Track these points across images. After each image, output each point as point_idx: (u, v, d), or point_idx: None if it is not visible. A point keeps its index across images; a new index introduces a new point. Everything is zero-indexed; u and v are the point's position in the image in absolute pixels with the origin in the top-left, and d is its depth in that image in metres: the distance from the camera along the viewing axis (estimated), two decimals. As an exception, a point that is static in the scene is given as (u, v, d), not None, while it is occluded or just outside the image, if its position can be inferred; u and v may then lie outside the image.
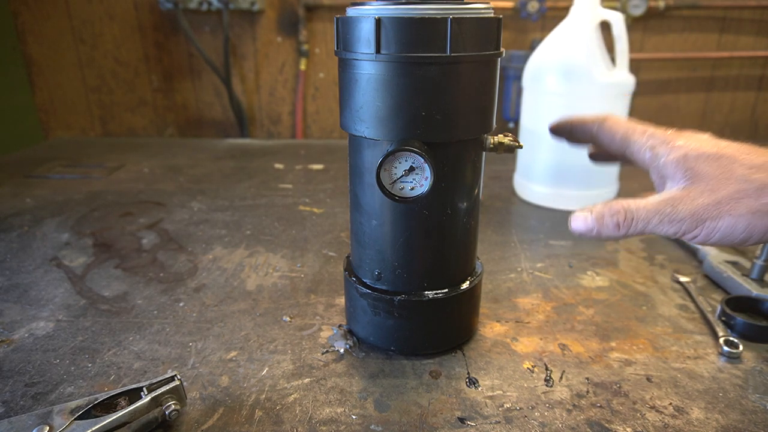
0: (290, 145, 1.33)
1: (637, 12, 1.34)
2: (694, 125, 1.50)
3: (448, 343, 0.51)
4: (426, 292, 0.48)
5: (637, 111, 1.46)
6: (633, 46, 1.37)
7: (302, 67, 1.46)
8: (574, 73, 0.79)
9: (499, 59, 0.44)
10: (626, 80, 0.81)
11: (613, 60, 0.84)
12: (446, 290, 0.48)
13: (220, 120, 1.54)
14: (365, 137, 0.44)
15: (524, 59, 0.92)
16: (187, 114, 1.54)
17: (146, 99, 1.52)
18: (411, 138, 0.42)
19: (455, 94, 0.41)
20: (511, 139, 0.47)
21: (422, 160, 0.41)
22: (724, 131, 1.50)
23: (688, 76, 1.45)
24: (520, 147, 0.47)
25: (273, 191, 0.97)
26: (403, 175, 0.43)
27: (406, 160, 0.42)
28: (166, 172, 1.08)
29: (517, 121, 1.40)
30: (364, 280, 0.50)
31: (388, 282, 0.48)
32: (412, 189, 0.43)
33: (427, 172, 0.42)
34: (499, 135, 0.47)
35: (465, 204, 0.47)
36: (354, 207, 0.49)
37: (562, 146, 0.82)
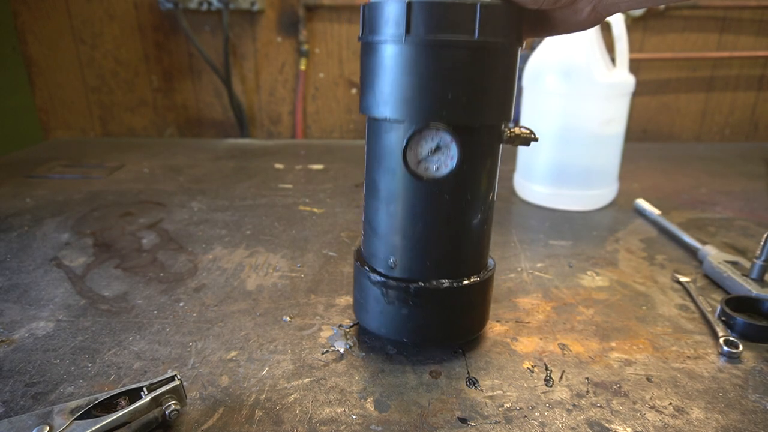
0: (290, 145, 1.33)
1: (637, 12, 1.34)
2: (694, 125, 1.50)
3: (462, 334, 0.51)
4: (443, 281, 0.47)
5: (637, 111, 1.46)
6: (633, 46, 1.37)
7: (302, 67, 1.46)
8: (574, 73, 0.79)
9: (519, 48, 0.44)
10: (626, 80, 0.81)
11: (613, 60, 0.84)
12: (464, 279, 0.48)
13: (220, 120, 1.54)
14: (389, 119, 0.44)
15: (524, 59, 0.92)
16: (187, 114, 1.54)
17: (146, 99, 1.52)
18: (437, 120, 0.42)
19: (480, 78, 0.42)
20: (527, 131, 0.47)
21: (449, 138, 0.42)
22: (724, 131, 1.50)
23: (688, 76, 1.44)
24: (536, 140, 0.47)
25: (273, 191, 0.97)
26: (428, 155, 0.43)
27: (432, 139, 0.42)
28: (166, 172, 1.08)
29: (517, 121, 1.40)
30: (378, 269, 0.49)
31: (404, 270, 0.47)
32: (437, 169, 0.43)
33: (453, 150, 0.42)
34: (516, 127, 0.47)
35: (484, 192, 0.46)
36: (370, 194, 0.48)
37: (562, 146, 0.83)
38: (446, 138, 0.42)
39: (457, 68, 0.41)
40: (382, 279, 0.48)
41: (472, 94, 0.42)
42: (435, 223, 0.46)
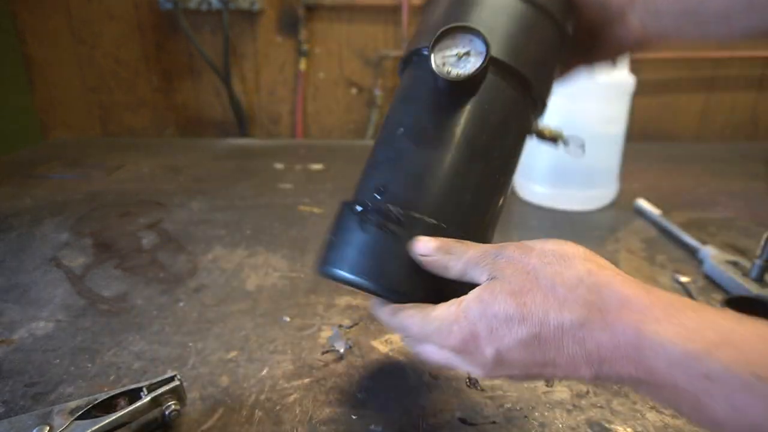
0: (290, 145, 1.33)
1: (637, 12, 1.34)
2: (695, 125, 1.50)
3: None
4: (432, 219, 0.38)
5: (637, 111, 1.46)
6: (633, 46, 1.37)
7: (302, 67, 1.46)
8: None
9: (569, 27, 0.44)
10: (626, 80, 0.81)
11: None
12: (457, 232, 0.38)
13: (220, 120, 1.54)
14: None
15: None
16: (187, 114, 1.54)
17: (146, 99, 1.52)
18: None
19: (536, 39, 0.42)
20: (557, 131, 0.46)
21: (479, 39, 0.39)
22: (725, 131, 1.50)
23: (688, 76, 1.44)
24: (565, 141, 0.47)
25: (273, 191, 0.97)
26: (455, 58, 0.39)
27: (461, 44, 0.40)
28: (166, 172, 1.08)
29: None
30: (363, 200, 0.39)
31: (392, 196, 0.38)
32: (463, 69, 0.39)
33: (481, 46, 0.39)
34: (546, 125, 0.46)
35: (502, 163, 0.42)
36: (380, 143, 0.42)
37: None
38: (477, 41, 0.39)
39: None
40: (362, 207, 0.39)
41: (527, 49, 0.42)
42: (447, 164, 0.40)
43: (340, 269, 0.38)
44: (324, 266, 0.39)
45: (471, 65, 0.39)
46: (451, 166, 0.39)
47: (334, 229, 0.40)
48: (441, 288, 0.37)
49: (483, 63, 0.38)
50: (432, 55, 0.39)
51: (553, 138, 0.46)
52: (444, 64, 0.39)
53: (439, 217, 0.38)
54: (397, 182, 0.39)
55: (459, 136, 0.40)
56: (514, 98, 0.43)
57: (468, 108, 0.40)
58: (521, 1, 0.41)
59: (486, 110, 0.41)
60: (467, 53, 0.39)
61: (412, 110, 0.41)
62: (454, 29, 0.39)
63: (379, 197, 0.39)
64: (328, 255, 0.39)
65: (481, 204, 0.41)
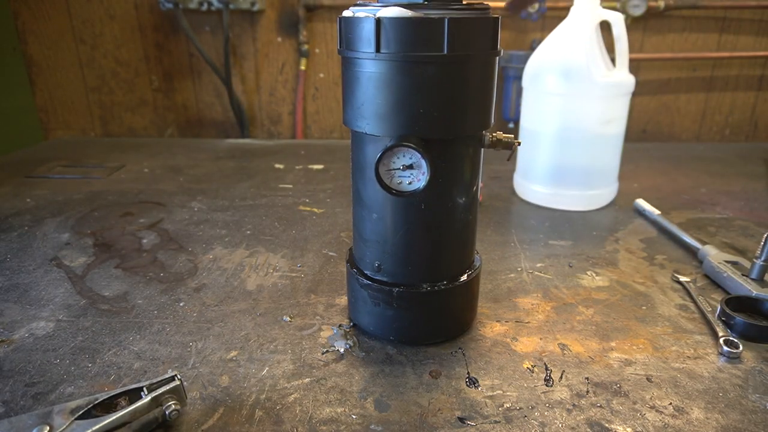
0: (290, 145, 1.33)
1: (637, 12, 1.34)
2: (694, 125, 1.50)
3: (446, 334, 0.52)
4: (424, 284, 0.49)
5: (637, 111, 1.46)
6: (633, 46, 1.37)
7: (302, 67, 1.46)
8: (574, 73, 0.79)
9: (497, 58, 0.45)
10: (626, 80, 0.81)
11: (613, 60, 0.84)
12: (444, 283, 0.49)
13: (221, 120, 1.54)
14: (366, 133, 0.45)
15: (524, 59, 0.92)
16: (188, 114, 1.54)
17: (146, 99, 1.52)
18: (410, 134, 0.43)
19: (453, 92, 0.42)
20: (509, 136, 0.48)
21: (419, 155, 0.42)
22: (724, 131, 1.50)
23: (688, 76, 1.44)
24: (518, 144, 0.48)
25: (273, 191, 0.97)
26: (401, 170, 0.44)
27: (404, 156, 0.43)
28: (166, 172, 1.08)
29: (516, 122, 1.40)
30: (365, 272, 0.51)
31: (388, 274, 0.49)
32: (410, 183, 0.44)
33: (424, 167, 0.43)
34: (498, 132, 0.48)
35: (463, 199, 0.47)
36: (356, 201, 0.50)
37: (562, 146, 0.83)
38: (417, 155, 0.43)
39: (429, 84, 0.41)
40: (368, 282, 0.50)
41: (444, 108, 0.42)
42: (414, 231, 0.47)
43: (364, 326, 0.54)
44: (353, 318, 0.55)
45: (416, 179, 0.44)
46: (428, 241, 0.48)
47: (352, 293, 0.53)
48: None
49: (427, 180, 0.43)
50: (378, 167, 0.43)
51: (508, 145, 0.48)
52: (390, 178, 0.44)
53: (429, 279, 0.49)
54: (389, 262, 0.49)
55: (426, 220, 0.47)
56: (463, 153, 0.47)
57: (428, 201, 0.46)
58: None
59: (443, 187, 0.46)
60: (410, 166, 0.44)
61: (376, 196, 0.47)
62: (394, 146, 0.42)
63: (378, 275, 0.50)
64: (352, 312, 0.55)
65: (462, 246, 0.50)
